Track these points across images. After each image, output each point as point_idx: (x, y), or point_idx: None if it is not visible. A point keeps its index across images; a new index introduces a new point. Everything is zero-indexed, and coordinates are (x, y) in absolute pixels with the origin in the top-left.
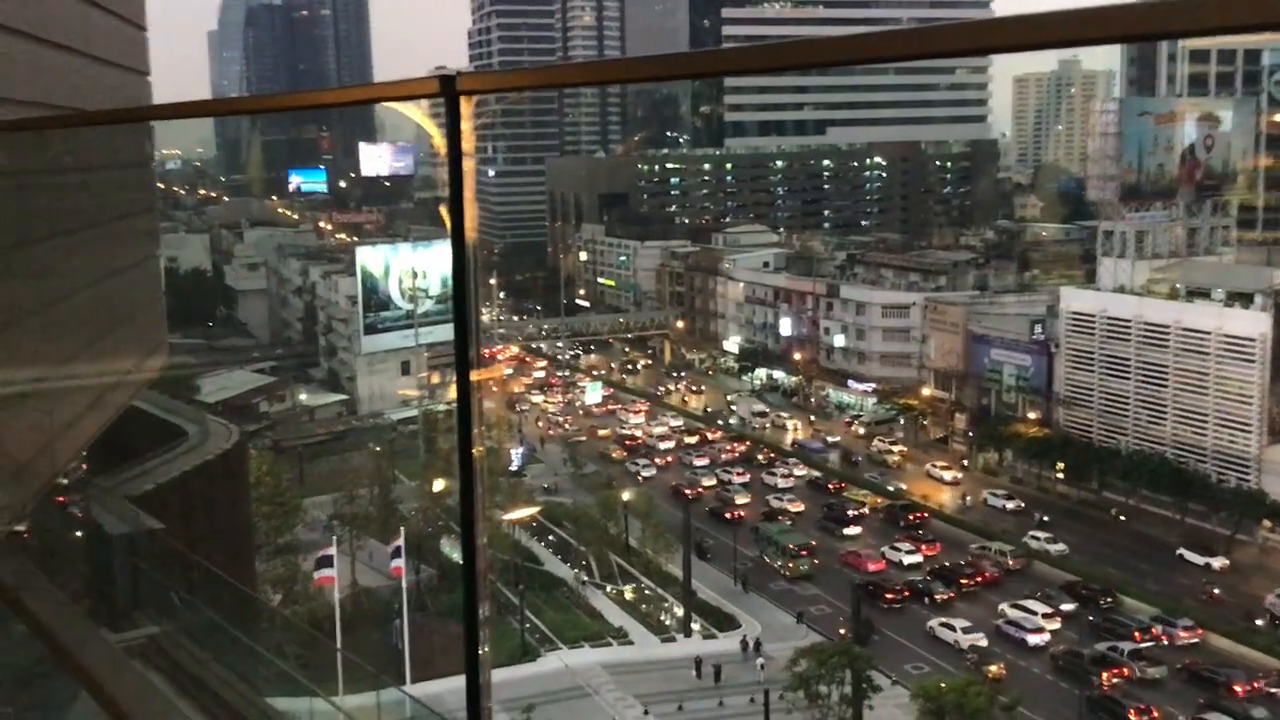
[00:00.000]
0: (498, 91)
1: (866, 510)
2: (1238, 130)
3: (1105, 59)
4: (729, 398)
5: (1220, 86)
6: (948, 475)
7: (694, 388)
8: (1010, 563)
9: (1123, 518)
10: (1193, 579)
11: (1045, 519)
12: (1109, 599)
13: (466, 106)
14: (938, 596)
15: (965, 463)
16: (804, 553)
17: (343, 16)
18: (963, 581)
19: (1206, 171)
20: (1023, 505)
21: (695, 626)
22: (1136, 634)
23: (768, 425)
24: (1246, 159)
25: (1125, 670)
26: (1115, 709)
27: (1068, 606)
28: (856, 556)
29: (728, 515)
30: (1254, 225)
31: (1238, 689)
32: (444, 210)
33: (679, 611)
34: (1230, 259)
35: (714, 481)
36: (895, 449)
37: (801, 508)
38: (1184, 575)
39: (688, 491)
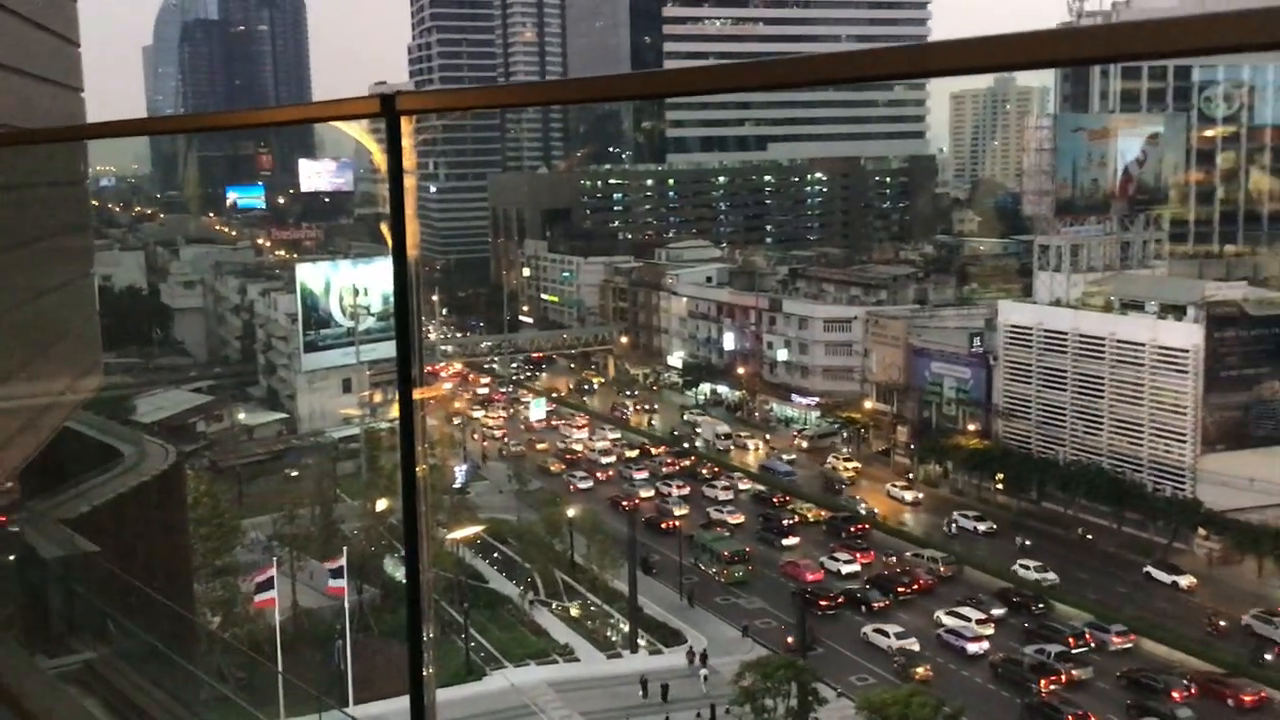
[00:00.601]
0: (438, 111)
1: (811, 519)
2: (1169, 146)
3: (1040, 75)
4: (689, 418)
5: (1152, 103)
6: (908, 495)
7: (647, 406)
8: (943, 569)
9: (1089, 536)
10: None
11: (1026, 542)
12: (1040, 605)
13: (407, 125)
14: (875, 605)
15: (910, 475)
16: (738, 560)
17: (280, 32)
18: (899, 590)
19: (1139, 186)
20: (994, 527)
21: (641, 642)
22: (1070, 639)
23: (731, 446)
24: (1178, 174)
25: (1063, 677)
26: (1053, 715)
27: (998, 611)
28: (795, 566)
29: (664, 525)
30: (1186, 239)
31: (1176, 695)
32: (385, 227)
33: (625, 627)
34: (1163, 272)
35: (652, 493)
36: (850, 465)
37: (741, 519)
38: (1156, 594)
39: (624, 503)
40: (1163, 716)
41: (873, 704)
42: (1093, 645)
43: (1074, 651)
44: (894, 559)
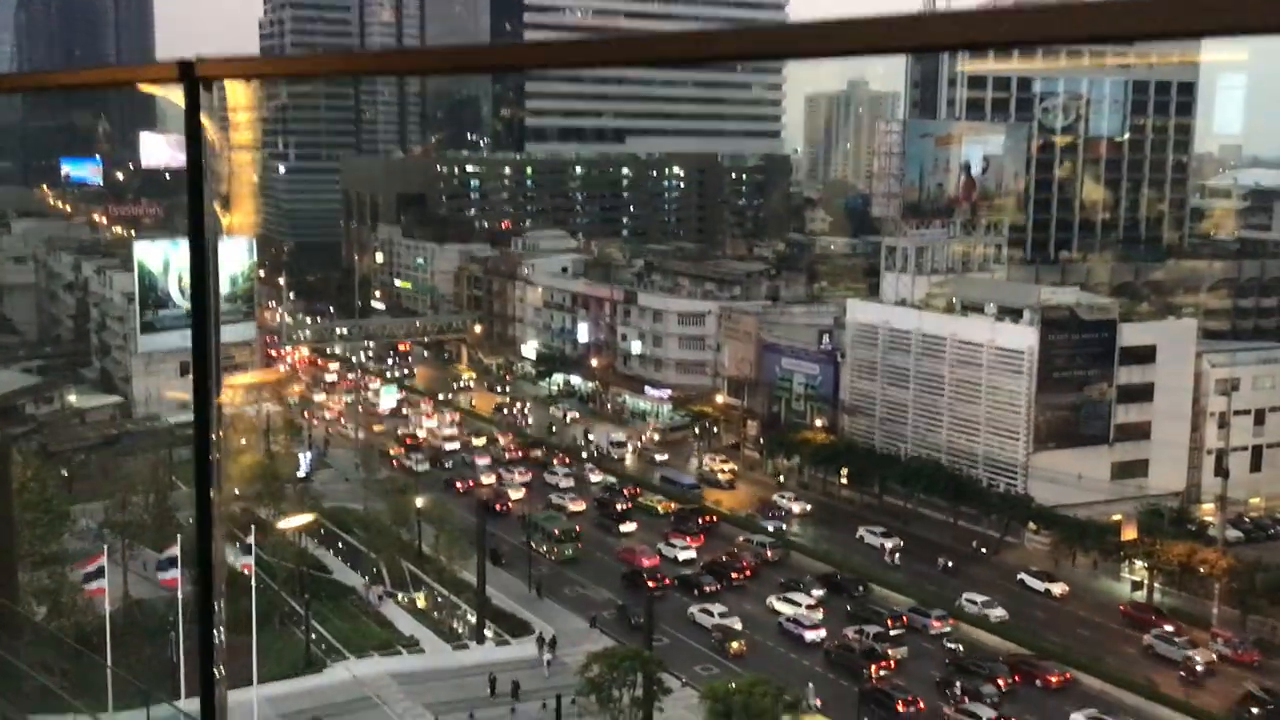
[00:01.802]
0: (241, 78)
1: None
2: (1010, 154)
3: (891, 81)
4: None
5: (995, 112)
6: (796, 507)
7: (523, 407)
8: (769, 554)
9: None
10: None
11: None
12: (860, 588)
13: (208, 94)
14: (706, 588)
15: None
16: (568, 538)
17: (123, 1)
18: (733, 575)
19: (981, 192)
20: (808, 508)
21: (489, 633)
22: (889, 620)
23: (626, 453)
24: (1017, 181)
25: (891, 663)
26: (886, 700)
27: (818, 592)
28: (631, 552)
29: (498, 507)
30: (1024, 244)
31: (1000, 683)
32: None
33: (472, 618)
34: (1002, 275)
35: (493, 479)
36: (727, 468)
37: (582, 506)
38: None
39: (458, 484)
40: (973, 695)
41: (716, 693)
42: (912, 628)
43: (892, 633)
44: (732, 547)
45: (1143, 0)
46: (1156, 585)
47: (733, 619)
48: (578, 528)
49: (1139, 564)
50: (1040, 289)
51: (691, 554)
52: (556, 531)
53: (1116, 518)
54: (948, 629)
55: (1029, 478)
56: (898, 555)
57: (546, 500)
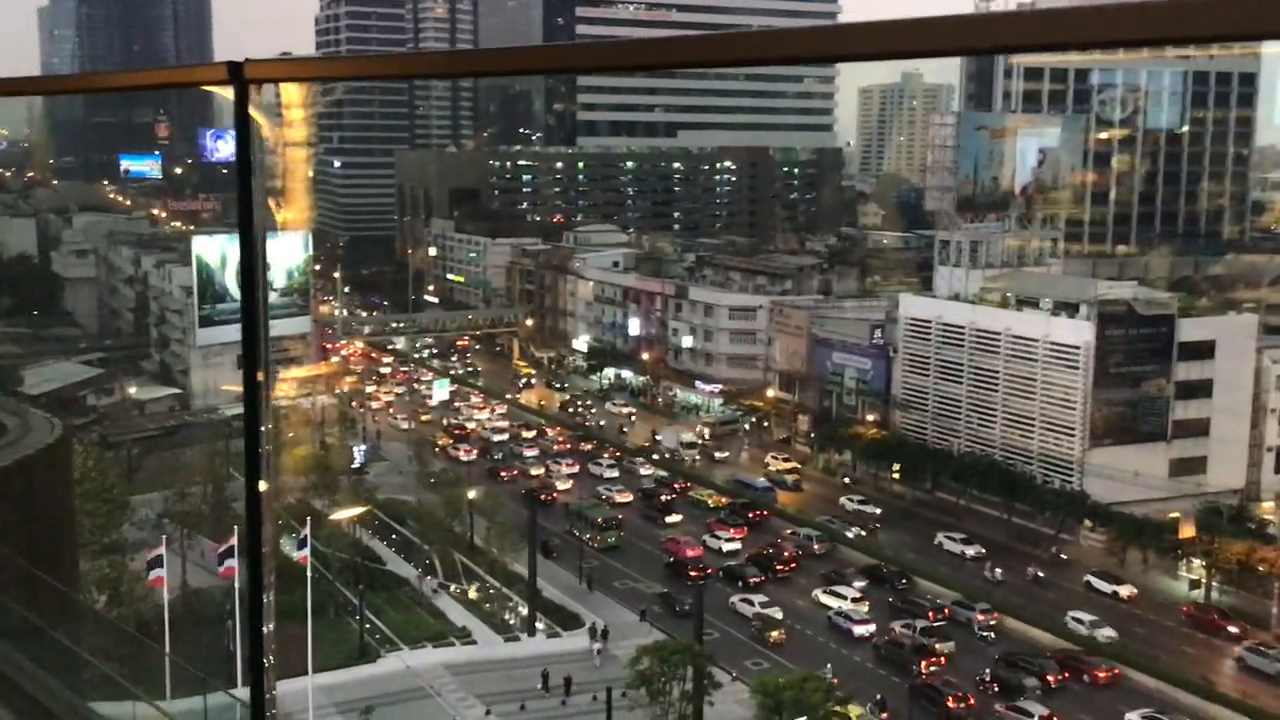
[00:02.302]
0: (290, 80)
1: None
2: (1067, 146)
3: (945, 73)
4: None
5: (1052, 104)
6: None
7: (588, 405)
8: (816, 548)
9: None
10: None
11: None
12: (904, 581)
13: (258, 94)
14: (751, 579)
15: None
16: (610, 526)
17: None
18: (778, 567)
19: (1037, 185)
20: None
21: (540, 625)
22: (930, 613)
23: (697, 457)
24: (1074, 174)
25: (942, 659)
26: (936, 696)
27: (860, 584)
28: (675, 543)
29: (543, 498)
30: (1081, 238)
31: (1050, 679)
32: (272, 202)
33: (523, 610)
34: (1058, 270)
35: (542, 470)
36: (789, 467)
37: (629, 498)
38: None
39: (502, 474)
40: (1016, 688)
41: (767, 688)
42: (955, 620)
43: (934, 624)
44: (777, 540)
45: (1202, 1)
46: (1214, 584)
47: (773, 609)
48: (619, 516)
49: (1197, 562)
50: (1097, 283)
51: (736, 545)
52: (599, 520)
53: (1174, 515)
54: (992, 622)
55: (1085, 474)
56: (989, 567)
57: (594, 492)
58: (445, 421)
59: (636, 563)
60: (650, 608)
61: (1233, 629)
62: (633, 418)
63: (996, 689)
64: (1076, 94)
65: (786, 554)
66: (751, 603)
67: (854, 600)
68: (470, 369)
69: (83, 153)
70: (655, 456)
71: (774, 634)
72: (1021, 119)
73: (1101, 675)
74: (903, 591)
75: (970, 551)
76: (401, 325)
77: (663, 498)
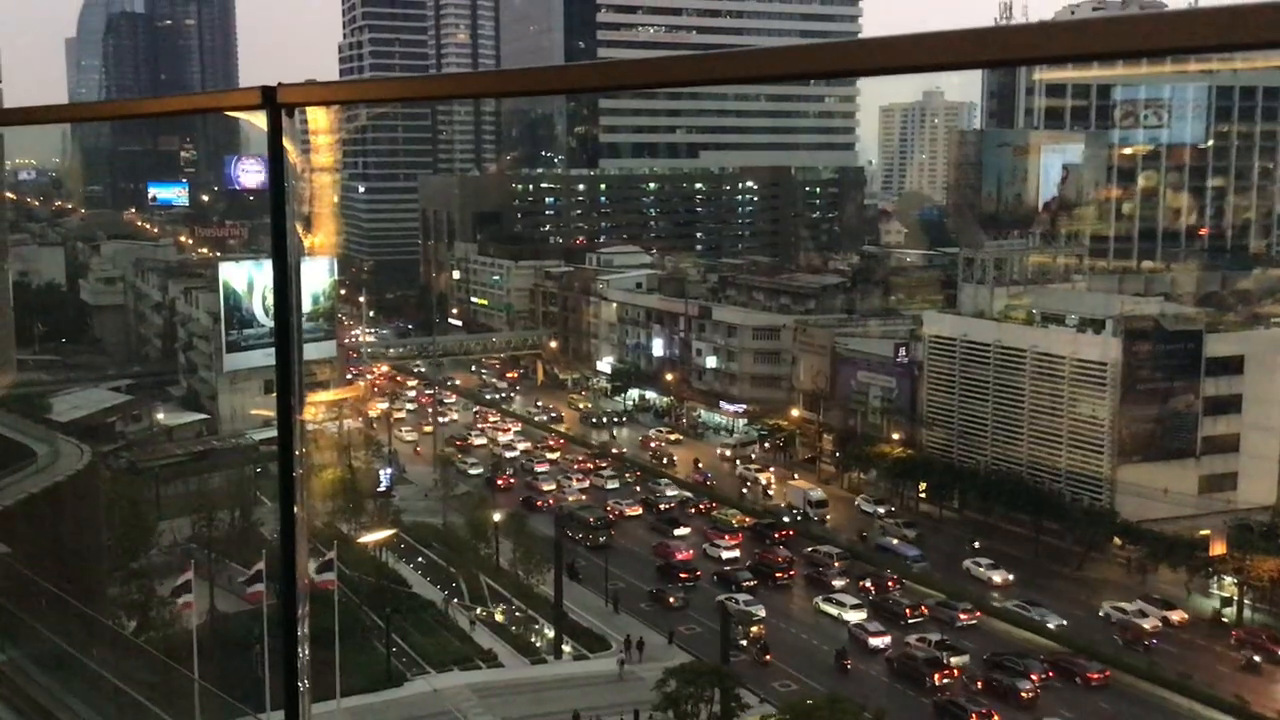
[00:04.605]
0: (322, 104)
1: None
2: (1090, 162)
3: (966, 91)
4: (742, 470)
5: (1075, 120)
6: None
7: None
8: (836, 565)
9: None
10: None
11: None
12: (890, 583)
13: (289, 119)
14: (744, 584)
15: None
16: (600, 526)
17: (207, 27)
18: (776, 575)
19: (1061, 202)
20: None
21: (566, 648)
22: (907, 610)
23: (828, 516)
24: (1099, 190)
25: (956, 671)
26: (960, 714)
27: (840, 582)
28: (665, 547)
29: (539, 504)
30: (1105, 254)
31: (1034, 678)
32: (299, 227)
33: (550, 633)
34: (1083, 286)
35: (553, 485)
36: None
37: (639, 511)
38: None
39: (499, 481)
40: (1008, 691)
41: (796, 710)
42: (935, 619)
43: (910, 621)
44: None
45: (1227, 9)
46: (1246, 601)
47: (757, 606)
48: (610, 515)
49: (1228, 580)
50: (1123, 299)
51: (735, 554)
52: (591, 520)
53: (1204, 532)
54: (974, 621)
55: (1114, 492)
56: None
57: (601, 503)
58: (458, 440)
59: (631, 569)
60: (679, 630)
61: None
62: (744, 466)
63: (980, 686)
64: (1099, 110)
65: (780, 559)
66: (735, 600)
67: (853, 607)
68: (507, 397)
69: (110, 181)
70: (786, 519)
71: (754, 629)
72: (1044, 135)
73: (1093, 678)
74: (887, 594)
75: (998, 578)
76: (425, 348)
77: (661, 506)
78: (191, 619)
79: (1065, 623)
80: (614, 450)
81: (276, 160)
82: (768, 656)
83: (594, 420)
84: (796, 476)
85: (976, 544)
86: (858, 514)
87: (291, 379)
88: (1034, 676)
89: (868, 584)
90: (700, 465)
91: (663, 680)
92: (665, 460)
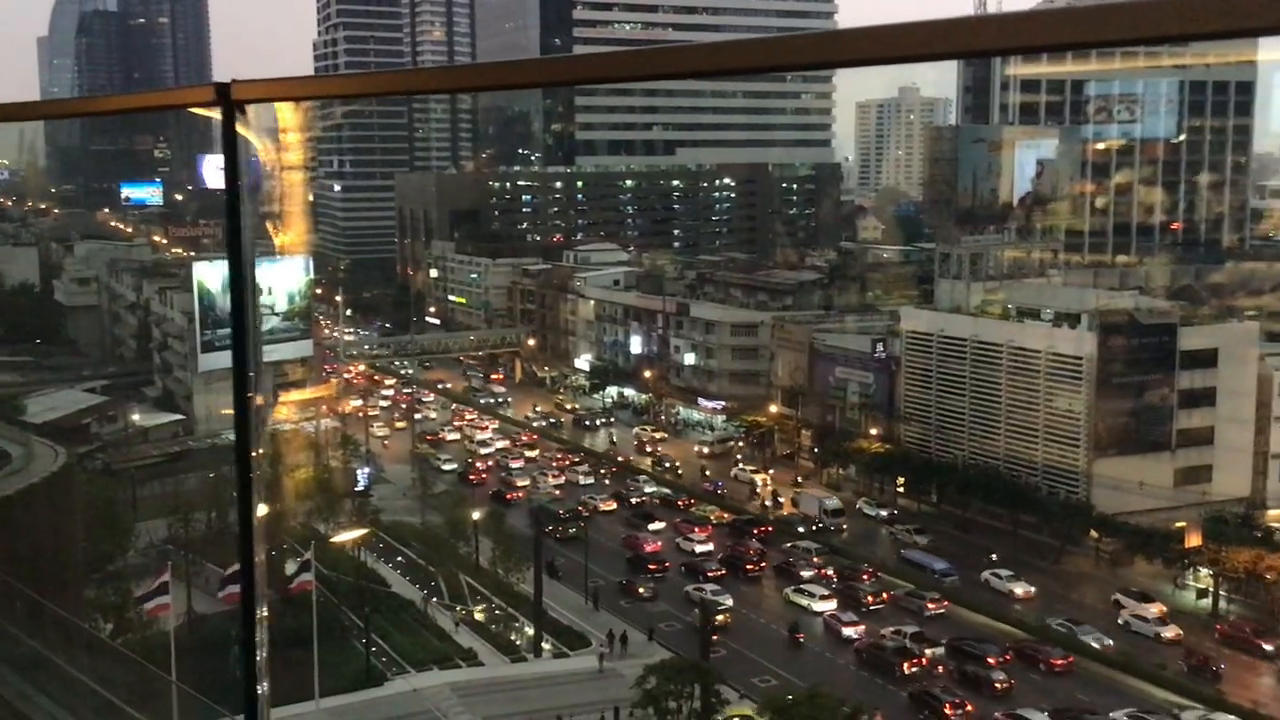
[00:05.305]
0: (279, 100)
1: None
2: (1065, 157)
3: (942, 86)
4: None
5: (1049, 115)
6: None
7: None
8: (815, 560)
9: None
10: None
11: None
12: (864, 576)
13: (243, 116)
14: (709, 573)
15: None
16: (571, 517)
17: (180, 25)
18: (747, 568)
19: (1036, 197)
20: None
21: (546, 646)
22: (870, 597)
23: (844, 526)
24: (1073, 185)
25: (924, 660)
26: (934, 703)
27: (808, 573)
28: (635, 539)
29: (508, 496)
30: (1080, 249)
31: (991, 661)
32: (270, 227)
33: (529, 631)
34: (1058, 281)
35: (527, 481)
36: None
37: (613, 506)
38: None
39: (472, 477)
40: (981, 680)
41: (775, 705)
42: (903, 608)
43: (872, 608)
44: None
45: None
46: (1221, 593)
47: (724, 596)
48: (579, 508)
49: (1204, 572)
50: (1097, 294)
51: (708, 547)
52: (561, 512)
53: (1180, 525)
54: (942, 610)
55: (1090, 485)
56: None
57: (576, 499)
58: (427, 435)
59: (602, 562)
60: (659, 627)
61: (1268, 646)
62: (753, 475)
63: (941, 671)
64: (1073, 105)
65: (750, 551)
66: (703, 589)
67: (822, 598)
68: (502, 403)
69: (82, 181)
70: (801, 530)
71: (720, 616)
72: (1019, 131)
73: (1057, 663)
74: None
75: (1019, 590)
76: (402, 347)
77: (633, 500)
78: (168, 621)
79: (1111, 643)
80: (620, 457)
81: (231, 158)
82: (714, 637)
83: (586, 423)
84: (801, 480)
85: (994, 555)
86: (860, 517)
87: (247, 380)
88: (991, 660)
89: (829, 571)
90: (708, 473)
91: (643, 677)
92: (667, 466)
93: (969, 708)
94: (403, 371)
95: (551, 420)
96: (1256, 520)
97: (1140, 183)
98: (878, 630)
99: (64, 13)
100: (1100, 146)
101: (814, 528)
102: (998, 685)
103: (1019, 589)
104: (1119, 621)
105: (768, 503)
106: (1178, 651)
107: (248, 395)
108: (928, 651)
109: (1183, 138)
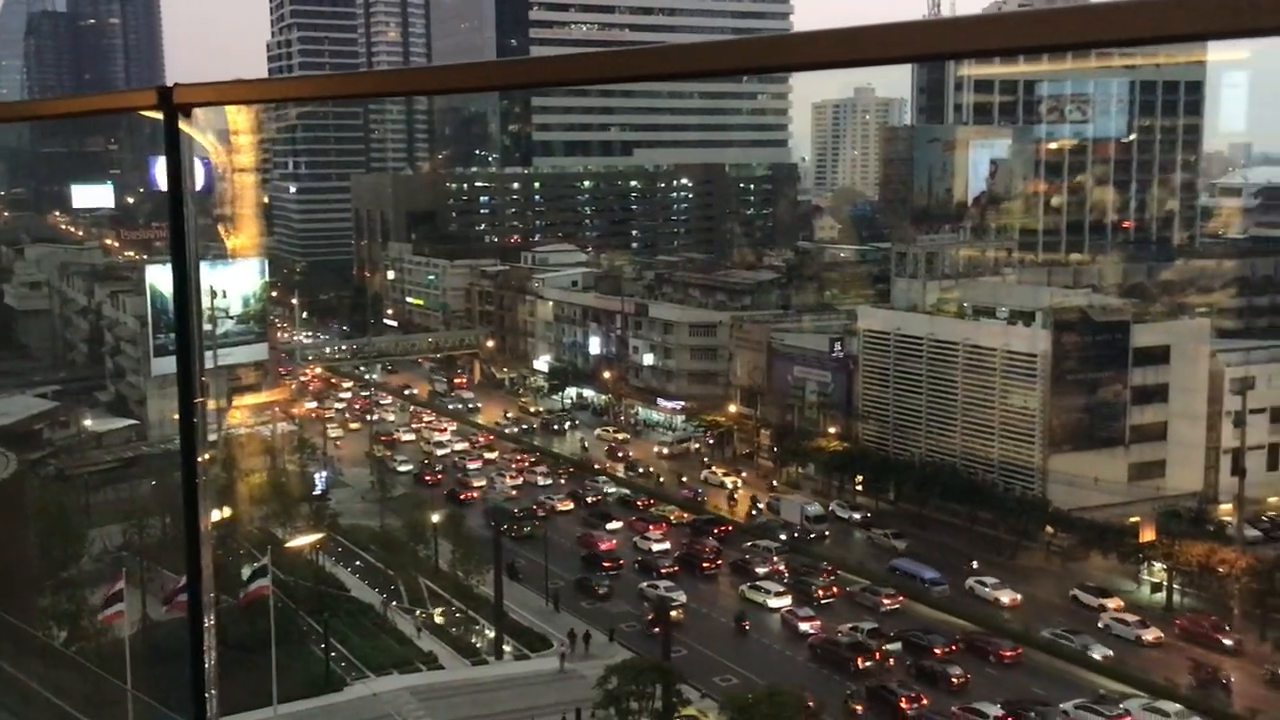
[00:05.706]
0: (222, 104)
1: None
2: (1018, 157)
3: (897, 87)
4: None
5: (1002, 116)
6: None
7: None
8: (775, 559)
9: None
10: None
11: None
12: (824, 574)
13: (204, 116)
14: (663, 569)
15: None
16: (526, 516)
17: (132, 26)
18: (703, 565)
19: (990, 196)
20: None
21: (507, 648)
22: (820, 591)
23: (826, 532)
24: (1026, 184)
25: (876, 654)
26: (890, 697)
27: (763, 570)
28: (590, 537)
29: (462, 497)
30: (1034, 247)
31: (937, 651)
32: (223, 230)
33: (490, 633)
34: (1013, 279)
35: (484, 482)
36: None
37: (570, 506)
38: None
39: (428, 478)
40: (937, 675)
41: (737, 703)
42: (859, 604)
43: (824, 602)
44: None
45: (1143, 3)
46: (1175, 586)
47: (678, 593)
48: (536, 508)
49: (1158, 566)
50: (1051, 291)
51: (665, 545)
52: (517, 511)
53: (1134, 520)
54: (897, 606)
55: (1045, 481)
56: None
57: (534, 499)
58: (381, 436)
59: (555, 557)
60: (619, 627)
61: (1227, 641)
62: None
63: (893, 664)
64: (1026, 105)
65: (706, 549)
66: (657, 586)
67: (776, 594)
68: (471, 409)
69: (32, 184)
70: (783, 537)
71: (674, 613)
72: (973, 131)
73: (1006, 655)
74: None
75: (1006, 598)
76: (360, 349)
77: (589, 499)
78: (123, 628)
79: (1110, 653)
80: (596, 464)
81: (174, 161)
82: (656, 630)
83: (554, 427)
84: (777, 484)
85: (975, 564)
86: (834, 520)
87: (193, 385)
88: (938, 651)
89: (781, 566)
90: (686, 480)
91: (604, 678)
92: (639, 471)
93: (924, 701)
94: (366, 377)
95: (523, 426)
96: (1209, 514)
97: (1092, 182)
98: (835, 626)
99: (11, 13)
100: (1053, 146)
101: (794, 534)
102: (954, 680)
103: (1005, 597)
104: (1099, 625)
105: (754, 511)
106: (1164, 655)
107: (194, 400)
108: (887, 647)
109: (1134, 137)
